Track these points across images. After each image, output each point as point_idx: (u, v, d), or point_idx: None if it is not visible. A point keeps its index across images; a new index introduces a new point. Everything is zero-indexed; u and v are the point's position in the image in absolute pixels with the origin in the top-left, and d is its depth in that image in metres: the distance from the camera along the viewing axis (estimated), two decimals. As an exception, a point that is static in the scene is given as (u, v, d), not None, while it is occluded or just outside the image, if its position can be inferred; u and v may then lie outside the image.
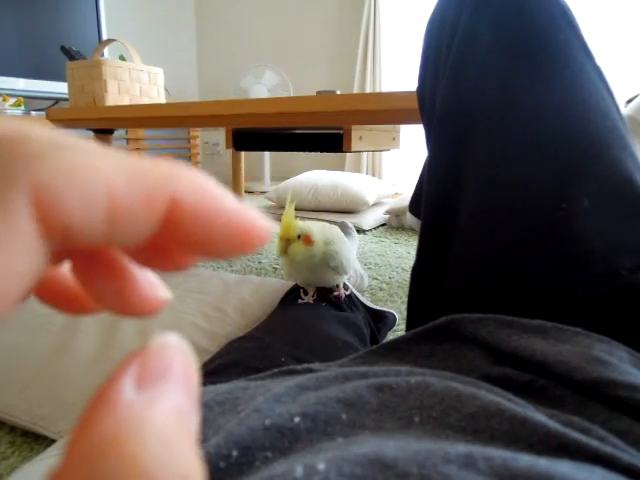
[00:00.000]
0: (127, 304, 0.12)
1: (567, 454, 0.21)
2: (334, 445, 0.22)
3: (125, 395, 0.09)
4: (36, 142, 0.09)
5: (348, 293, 0.89)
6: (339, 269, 0.81)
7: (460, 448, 0.20)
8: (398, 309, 1.12)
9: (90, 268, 0.12)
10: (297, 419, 0.24)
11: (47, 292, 0.13)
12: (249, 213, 0.11)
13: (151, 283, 0.12)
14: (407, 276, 1.41)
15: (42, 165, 0.09)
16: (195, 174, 0.11)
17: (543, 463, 0.19)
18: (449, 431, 0.23)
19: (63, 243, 0.09)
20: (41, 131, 0.10)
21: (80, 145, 0.10)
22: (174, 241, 0.11)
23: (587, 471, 0.19)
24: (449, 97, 0.46)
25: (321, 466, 0.19)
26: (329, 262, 0.79)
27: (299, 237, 0.76)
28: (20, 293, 0.09)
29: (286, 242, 0.76)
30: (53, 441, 0.65)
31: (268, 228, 0.11)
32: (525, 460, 0.19)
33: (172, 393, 0.09)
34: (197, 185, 0.10)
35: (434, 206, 0.47)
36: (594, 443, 0.21)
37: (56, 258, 0.11)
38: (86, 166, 0.09)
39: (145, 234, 0.10)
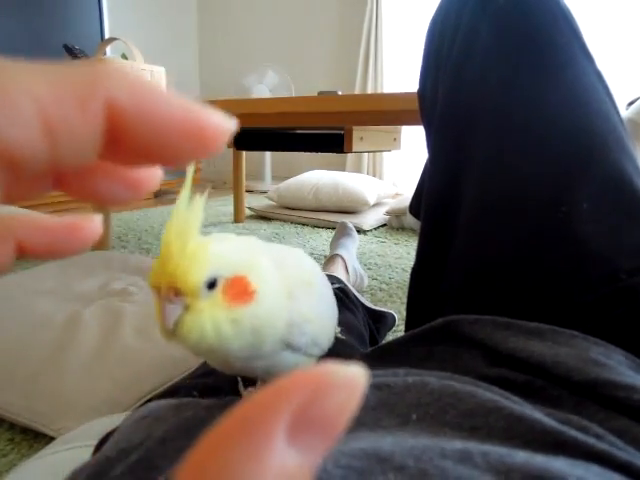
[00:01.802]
0: (126, 188, 0.11)
1: (563, 451, 0.21)
2: None
3: (277, 452, 0.07)
4: None
5: None
6: (310, 349, 0.34)
7: (457, 444, 0.20)
8: (398, 309, 1.13)
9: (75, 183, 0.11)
10: None
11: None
12: (201, 110, 0.10)
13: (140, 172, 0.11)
14: (407, 277, 1.41)
15: None
16: (127, 73, 0.09)
17: (539, 459, 0.19)
18: (446, 428, 0.23)
19: (13, 171, 0.09)
20: None
21: (6, 65, 0.09)
22: (126, 154, 0.10)
23: (583, 468, 0.20)
24: (450, 98, 0.46)
25: None
26: (291, 341, 0.32)
27: (211, 286, 0.27)
28: None
29: (178, 299, 0.27)
30: (52, 439, 0.65)
31: (225, 126, 0.10)
32: (521, 456, 0.19)
33: (322, 450, 0.08)
34: (131, 84, 0.09)
35: (434, 207, 0.47)
36: (591, 440, 0.21)
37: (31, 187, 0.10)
38: (6, 85, 0.08)
39: (92, 148, 0.09)
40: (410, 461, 0.20)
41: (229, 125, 0.10)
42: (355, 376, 0.08)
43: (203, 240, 0.26)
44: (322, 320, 0.35)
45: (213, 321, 0.26)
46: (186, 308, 0.26)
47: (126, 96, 0.09)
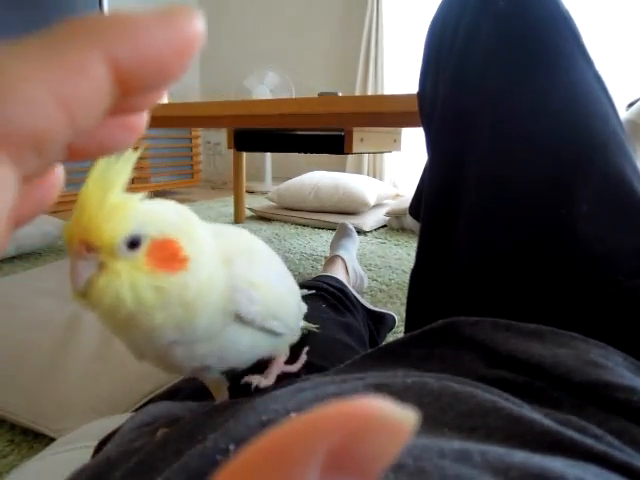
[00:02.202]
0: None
1: (562, 451, 0.21)
2: None
3: None
4: None
5: (301, 363, 0.40)
6: (267, 322, 0.30)
7: (455, 443, 0.21)
8: (397, 311, 1.13)
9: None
10: (294, 414, 0.24)
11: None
12: (179, 21, 0.10)
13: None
14: (407, 278, 1.41)
15: None
16: (118, 22, 0.09)
17: (538, 459, 0.19)
18: (446, 428, 0.23)
19: (40, 153, 0.09)
20: None
21: (5, 55, 0.09)
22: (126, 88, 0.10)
23: (581, 468, 0.20)
24: (449, 100, 0.46)
25: None
26: (238, 310, 0.28)
27: (133, 245, 0.24)
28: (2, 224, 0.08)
29: (92, 256, 0.23)
30: (53, 439, 0.65)
31: (198, 27, 0.10)
32: (520, 455, 0.20)
33: None
34: (122, 34, 0.09)
35: (433, 208, 0.47)
36: (589, 441, 0.22)
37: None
38: (15, 76, 0.08)
39: (104, 108, 0.09)
40: (409, 460, 0.20)
41: (196, 20, 0.10)
42: (405, 419, 0.07)
43: (129, 196, 0.23)
44: (274, 288, 0.30)
45: (131, 285, 0.23)
46: (100, 267, 0.23)
47: (123, 48, 0.09)
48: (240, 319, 0.28)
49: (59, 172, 0.11)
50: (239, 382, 0.33)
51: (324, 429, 0.06)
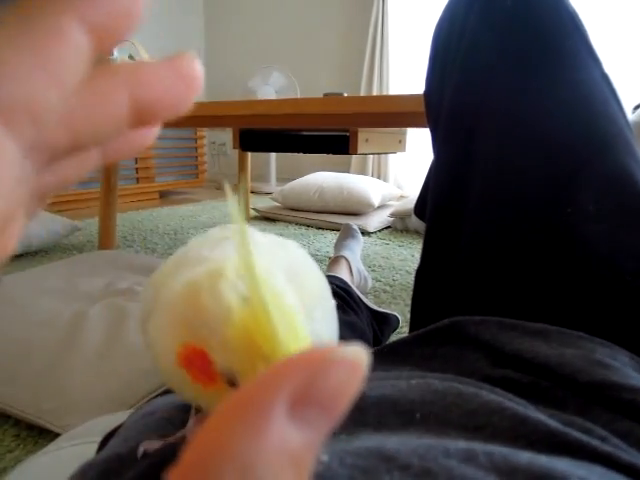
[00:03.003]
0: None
1: (567, 452, 0.21)
2: (337, 441, 0.22)
3: (276, 427, 0.07)
4: None
5: None
6: None
7: (461, 443, 0.21)
8: (401, 311, 1.13)
9: None
10: None
11: None
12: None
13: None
14: (411, 279, 1.41)
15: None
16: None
17: (543, 459, 0.19)
18: (450, 428, 0.23)
19: (36, 127, 0.09)
20: None
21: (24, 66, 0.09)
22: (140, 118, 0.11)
23: (586, 469, 0.20)
24: (455, 100, 0.46)
25: (324, 457, 0.19)
26: None
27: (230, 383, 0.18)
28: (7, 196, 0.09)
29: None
30: (57, 435, 0.66)
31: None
32: (525, 456, 0.20)
33: (325, 429, 0.08)
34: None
35: (439, 208, 0.47)
36: (594, 442, 0.21)
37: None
38: (4, 50, 0.08)
39: (125, 127, 0.11)
40: (415, 460, 0.20)
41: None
42: (356, 355, 0.08)
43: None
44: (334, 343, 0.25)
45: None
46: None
47: (92, 10, 0.09)
48: None
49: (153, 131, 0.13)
50: None
51: (285, 373, 0.07)
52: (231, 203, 0.13)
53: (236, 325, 0.16)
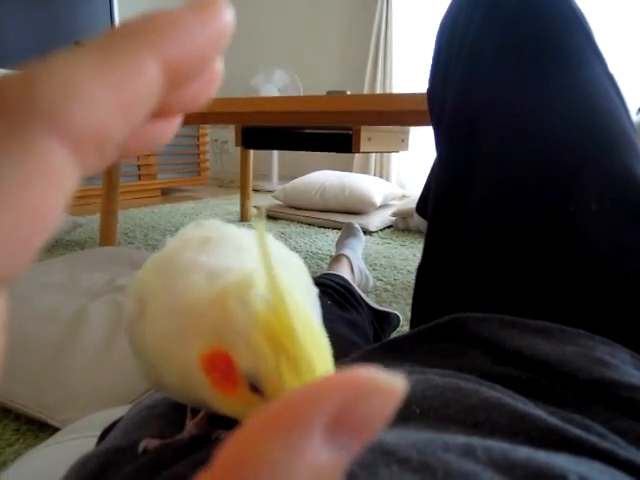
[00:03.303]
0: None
1: (566, 448, 0.21)
2: None
3: (313, 448, 0.07)
4: (32, 77, 0.09)
5: None
6: None
7: (460, 438, 0.21)
8: (402, 310, 1.12)
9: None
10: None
11: None
12: (213, 13, 0.11)
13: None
14: (412, 278, 1.40)
15: (46, 97, 0.09)
16: (163, 27, 0.10)
17: (542, 455, 0.19)
18: (450, 423, 0.23)
19: (101, 156, 0.10)
20: (31, 66, 0.09)
21: (67, 56, 0.09)
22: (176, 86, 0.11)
23: (585, 464, 0.20)
24: (459, 98, 0.46)
25: None
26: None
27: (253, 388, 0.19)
28: (54, 223, 0.09)
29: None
30: (57, 429, 0.66)
31: (228, 15, 0.11)
32: (524, 452, 0.20)
33: (355, 451, 0.08)
34: (169, 37, 0.10)
35: (441, 205, 0.47)
36: (593, 438, 0.21)
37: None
38: (80, 81, 0.09)
39: (156, 105, 0.10)
40: (413, 454, 0.20)
41: (230, 13, 0.11)
42: (395, 385, 0.08)
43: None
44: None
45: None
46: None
47: (170, 49, 0.10)
48: None
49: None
50: None
51: (326, 394, 0.07)
52: (258, 225, 0.14)
53: (262, 328, 0.17)
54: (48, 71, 0.09)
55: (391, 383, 0.08)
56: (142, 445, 0.27)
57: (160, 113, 0.11)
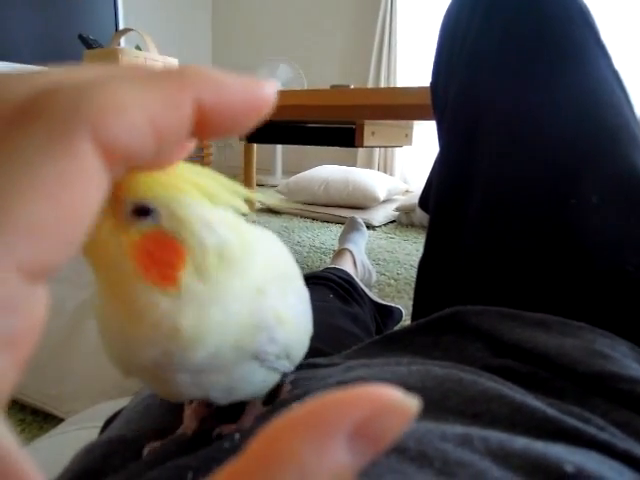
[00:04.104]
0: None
1: (564, 439, 0.21)
2: None
3: (337, 452, 0.08)
4: (77, 87, 0.10)
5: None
6: (278, 363, 0.25)
7: (457, 428, 0.21)
8: (405, 305, 1.13)
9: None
10: (295, 404, 0.24)
11: None
12: (253, 84, 0.12)
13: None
14: (415, 273, 1.40)
15: (94, 109, 0.10)
16: (205, 73, 0.11)
17: (539, 445, 0.19)
18: (449, 414, 0.24)
19: (125, 167, 0.11)
20: (79, 72, 0.11)
21: (117, 76, 0.11)
22: (200, 128, 0.12)
23: (582, 454, 0.20)
24: (462, 91, 0.46)
25: None
26: (257, 350, 0.23)
27: (138, 211, 0.18)
28: (89, 223, 0.10)
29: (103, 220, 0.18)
30: (62, 420, 0.67)
31: (271, 90, 0.12)
32: (521, 442, 0.20)
33: (367, 457, 0.09)
34: (210, 82, 0.11)
35: (443, 198, 0.47)
36: (591, 430, 0.22)
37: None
38: (128, 99, 0.10)
39: (184, 138, 0.12)
40: (411, 443, 0.20)
41: (273, 88, 0.12)
42: (411, 406, 0.09)
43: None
44: (299, 326, 0.25)
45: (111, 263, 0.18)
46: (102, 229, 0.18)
47: (208, 94, 0.11)
48: (257, 357, 0.23)
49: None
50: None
51: (355, 405, 0.08)
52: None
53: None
54: (101, 87, 0.10)
55: (409, 405, 0.09)
56: (145, 451, 0.27)
57: (201, 129, 0.12)
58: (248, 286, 0.21)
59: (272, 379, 0.25)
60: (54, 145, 0.09)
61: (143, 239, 0.18)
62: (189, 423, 0.27)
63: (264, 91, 0.12)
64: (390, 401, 0.09)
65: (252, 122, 0.12)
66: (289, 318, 0.24)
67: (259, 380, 0.24)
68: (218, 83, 0.11)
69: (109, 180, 0.10)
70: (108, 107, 0.10)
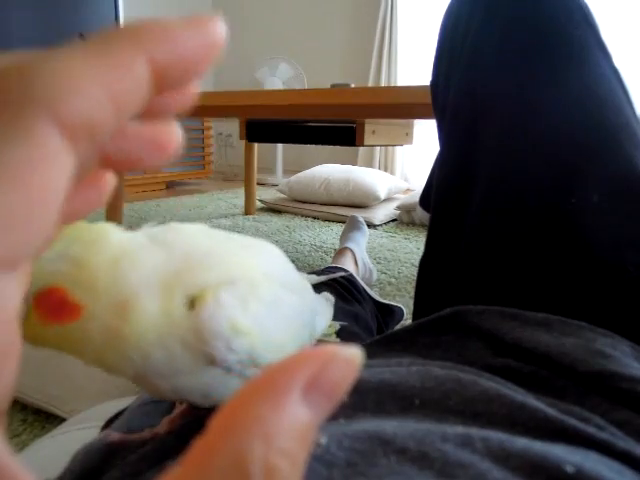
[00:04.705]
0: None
1: (564, 439, 0.21)
2: (336, 424, 0.23)
3: (294, 406, 0.09)
4: (32, 70, 0.10)
5: None
6: (246, 371, 0.25)
7: (458, 429, 0.21)
8: (406, 304, 1.13)
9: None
10: None
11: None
12: (203, 25, 0.11)
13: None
14: (416, 271, 1.40)
15: (48, 90, 0.09)
16: (158, 28, 0.11)
17: (538, 445, 0.19)
18: (449, 414, 0.24)
19: (92, 144, 0.10)
20: (28, 56, 0.10)
21: (67, 51, 0.10)
22: (159, 85, 0.11)
23: (581, 454, 0.20)
24: (462, 89, 0.46)
25: (323, 440, 0.19)
26: (214, 357, 0.24)
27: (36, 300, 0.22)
28: (59, 208, 0.10)
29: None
30: (64, 420, 0.67)
31: (220, 32, 0.12)
32: (521, 442, 0.20)
33: (326, 411, 0.09)
34: (164, 38, 0.11)
35: (444, 197, 0.47)
36: (591, 429, 0.22)
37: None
38: (82, 74, 0.10)
39: (144, 103, 0.11)
40: (411, 444, 0.20)
41: (221, 27, 0.12)
42: (353, 355, 0.10)
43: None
44: (269, 335, 0.25)
45: (32, 336, 0.22)
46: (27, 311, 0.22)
47: (161, 51, 0.11)
48: (215, 363, 0.23)
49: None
50: None
51: (301, 363, 0.09)
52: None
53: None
54: (48, 66, 0.10)
55: (352, 354, 0.10)
56: (108, 439, 0.27)
57: (162, 89, 0.11)
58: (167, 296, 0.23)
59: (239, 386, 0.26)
60: (13, 132, 0.09)
61: (37, 303, 0.21)
62: (164, 424, 0.29)
63: (215, 35, 0.11)
64: (334, 355, 0.10)
65: (207, 67, 0.12)
66: (250, 329, 0.24)
67: (235, 386, 0.25)
68: (169, 38, 0.11)
69: (75, 160, 0.10)
70: (62, 86, 0.09)
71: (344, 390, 0.10)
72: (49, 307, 0.21)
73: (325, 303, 0.38)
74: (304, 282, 0.31)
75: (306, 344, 0.30)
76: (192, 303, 0.23)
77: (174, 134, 0.13)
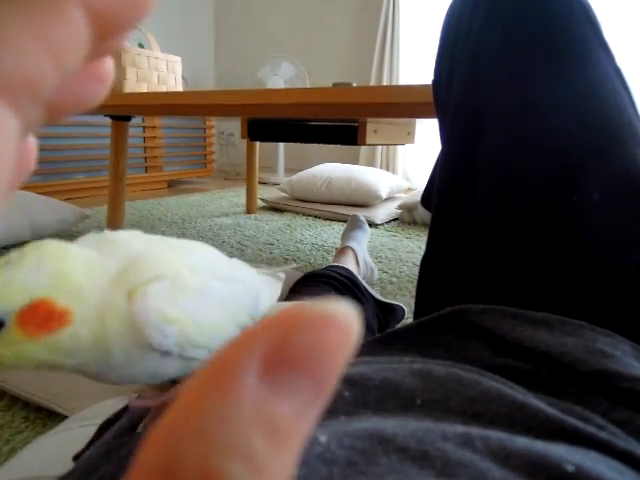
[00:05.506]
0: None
1: (564, 438, 0.21)
2: (336, 422, 0.23)
3: (246, 387, 0.07)
4: None
5: None
6: (187, 352, 0.29)
7: (458, 428, 0.21)
8: (407, 303, 1.13)
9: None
10: None
11: None
12: None
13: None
14: (417, 271, 1.39)
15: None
16: None
17: (539, 445, 0.19)
18: (450, 414, 0.24)
19: (34, 102, 0.09)
20: None
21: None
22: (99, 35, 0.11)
23: (581, 454, 0.20)
24: (464, 89, 0.46)
25: (323, 438, 0.19)
26: (152, 343, 0.27)
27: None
28: (10, 174, 0.09)
29: None
30: (65, 417, 0.67)
31: None
32: (521, 441, 0.20)
33: (308, 398, 0.07)
34: None
35: (445, 196, 0.47)
36: (591, 429, 0.22)
37: None
38: (13, 30, 0.09)
39: (86, 52, 0.10)
40: (412, 443, 0.20)
41: None
42: (339, 314, 0.07)
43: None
44: (200, 320, 0.28)
45: (16, 355, 0.23)
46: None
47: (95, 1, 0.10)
48: (154, 349, 0.26)
49: (108, 64, 0.12)
50: None
51: (257, 333, 0.07)
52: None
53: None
54: None
55: (331, 310, 0.07)
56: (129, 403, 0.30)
57: (102, 36, 0.10)
58: (113, 295, 0.25)
59: (195, 365, 0.29)
60: None
61: (24, 319, 0.23)
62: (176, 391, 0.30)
63: None
64: (304, 311, 0.07)
65: (144, 14, 0.11)
66: (179, 315, 0.27)
67: (175, 366, 0.28)
68: None
69: (20, 121, 0.09)
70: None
71: (327, 361, 0.07)
72: (37, 319, 0.22)
73: (270, 282, 0.39)
74: (243, 271, 0.34)
75: (248, 324, 0.32)
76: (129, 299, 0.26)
77: (109, 67, 0.12)
